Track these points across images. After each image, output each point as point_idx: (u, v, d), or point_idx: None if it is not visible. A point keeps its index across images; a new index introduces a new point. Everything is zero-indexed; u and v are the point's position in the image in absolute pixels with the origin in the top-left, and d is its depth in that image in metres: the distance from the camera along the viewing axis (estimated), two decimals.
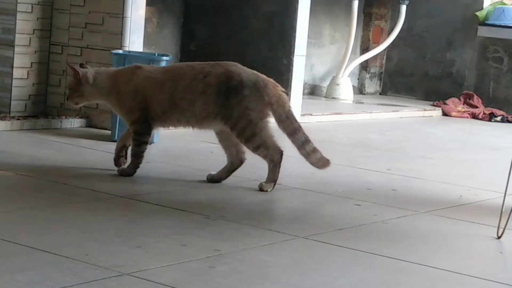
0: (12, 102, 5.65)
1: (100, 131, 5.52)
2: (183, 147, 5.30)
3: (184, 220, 3.52)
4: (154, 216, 3.56)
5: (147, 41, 6.28)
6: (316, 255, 3.20)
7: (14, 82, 5.67)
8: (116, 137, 5.19)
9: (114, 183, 4.14)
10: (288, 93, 6.82)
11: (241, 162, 4.24)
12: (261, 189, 4.12)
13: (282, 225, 3.58)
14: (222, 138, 4.24)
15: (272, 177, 4.14)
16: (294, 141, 4.15)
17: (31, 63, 5.75)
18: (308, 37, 7.01)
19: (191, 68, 4.19)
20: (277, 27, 6.93)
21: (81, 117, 5.71)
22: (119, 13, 5.54)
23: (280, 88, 4.17)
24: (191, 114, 4.11)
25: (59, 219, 3.40)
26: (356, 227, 3.65)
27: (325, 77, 8.94)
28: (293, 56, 6.84)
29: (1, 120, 5.40)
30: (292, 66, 6.85)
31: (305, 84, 8.19)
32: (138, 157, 4.19)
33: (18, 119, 5.51)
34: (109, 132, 5.35)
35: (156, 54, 5.52)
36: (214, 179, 4.24)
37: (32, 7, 5.70)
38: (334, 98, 8.62)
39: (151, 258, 2.96)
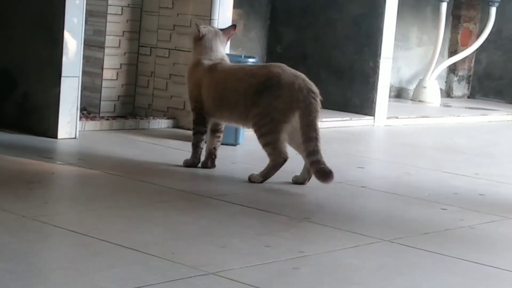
0: (101, 102, 5.77)
1: (187, 131, 5.58)
2: None
3: (269, 221, 3.54)
4: (239, 216, 3.59)
5: (233, 43, 6.33)
6: (401, 259, 3.18)
7: (104, 83, 5.78)
8: None
9: (200, 183, 4.19)
10: (373, 98, 6.79)
11: None
12: (249, 179, 4.21)
13: (367, 228, 3.57)
14: (291, 139, 4.23)
15: (266, 174, 4.20)
16: (304, 148, 4.10)
17: (120, 64, 5.86)
18: (394, 40, 6.96)
19: (241, 69, 4.34)
20: (363, 30, 6.90)
21: (168, 118, 5.79)
22: (206, 16, 5.60)
23: (315, 95, 4.14)
24: (238, 113, 4.24)
25: (146, 218, 3.45)
26: (442, 231, 3.61)
27: (412, 80, 8.86)
28: (380, 58, 6.80)
29: (91, 120, 5.51)
30: (378, 69, 6.81)
31: (391, 87, 8.12)
32: (195, 146, 4.39)
33: (107, 119, 5.62)
34: None
35: (243, 56, 5.56)
36: (298, 181, 4.25)
37: (122, 9, 5.80)
38: (421, 101, 8.54)
39: (235, 258, 2.99)
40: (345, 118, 6.68)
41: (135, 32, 5.89)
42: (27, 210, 3.36)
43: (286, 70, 4.21)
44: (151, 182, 4.06)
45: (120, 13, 5.79)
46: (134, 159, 4.62)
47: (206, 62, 4.38)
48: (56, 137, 4.95)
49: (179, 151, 4.94)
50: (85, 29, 5.08)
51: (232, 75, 4.30)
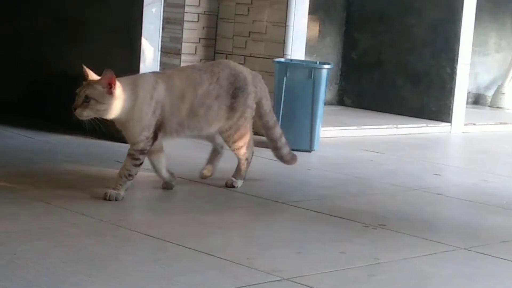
0: None
1: (261, 137, 5.59)
2: (343, 155, 5.30)
3: (344, 228, 3.53)
4: (313, 222, 3.58)
5: (308, 49, 6.33)
6: (478, 267, 3.13)
7: None
8: None
9: (274, 189, 4.19)
10: (450, 104, 6.71)
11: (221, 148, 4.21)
12: (231, 185, 4.07)
13: (443, 235, 3.53)
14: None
15: (243, 174, 4.12)
16: (272, 134, 4.17)
17: None
18: (472, 45, 6.86)
19: (202, 71, 3.94)
20: (440, 35, 6.82)
21: None
22: (282, 22, 5.61)
23: (262, 80, 4.17)
24: (205, 120, 3.91)
25: (221, 223, 3.47)
26: None
27: (490, 86, 8.72)
28: (457, 64, 6.72)
29: None
30: (456, 75, 6.73)
31: (468, 93, 8.01)
32: (132, 178, 3.72)
33: None
34: None
35: (318, 63, 5.55)
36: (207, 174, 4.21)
37: (198, 16, 5.86)
38: (499, 107, 8.40)
39: (310, 264, 2.99)
40: (421, 125, 6.61)
41: (211, 39, 5.94)
42: (105, 214, 3.41)
43: (237, 64, 4.10)
44: (226, 187, 4.09)
45: (196, 20, 5.85)
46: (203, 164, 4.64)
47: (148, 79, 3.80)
48: None
49: (255, 157, 4.95)
50: (162, 36, 5.14)
51: (199, 79, 3.88)
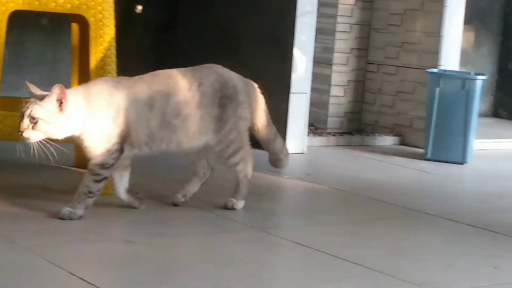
0: (328, 118, 5.84)
1: (412, 149, 5.54)
2: (498, 168, 5.17)
3: (498, 242, 3.43)
4: (466, 236, 3.50)
5: (463, 60, 6.21)
6: None
7: (331, 100, 5.84)
8: (429, 155, 5.17)
9: (426, 201, 4.12)
10: None
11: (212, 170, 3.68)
12: (232, 207, 3.58)
13: None
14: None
15: (244, 194, 3.62)
16: (274, 147, 3.68)
17: (348, 81, 5.90)
18: None
19: (179, 76, 3.44)
20: None
21: (394, 135, 5.77)
22: (435, 32, 5.53)
23: (258, 89, 3.66)
24: (183, 132, 3.40)
25: (371, 233, 3.45)
26: None
27: None
28: None
29: (318, 135, 5.59)
30: None
31: None
32: (94, 195, 3.28)
33: (333, 135, 5.68)
34: (421, 150, 5.35)
35: (472, 73, 5.44)
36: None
37: (350, 27, 5.85)
38: None
39: (462, 277, 2.92)
40: None
41: (363, 49, 5.92)
42: (256, 221, 3.45)
43: (226, 70, 3.58)
44: (376, 198, 4.06)
45: (348, 30, 5.84)
46: (360, 175, 4.63)
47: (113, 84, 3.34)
48: None
49: (404, 168, 4.91)
50: (314, 47, 5.16)
51: (174, 85, 3.40)
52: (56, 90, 3.11)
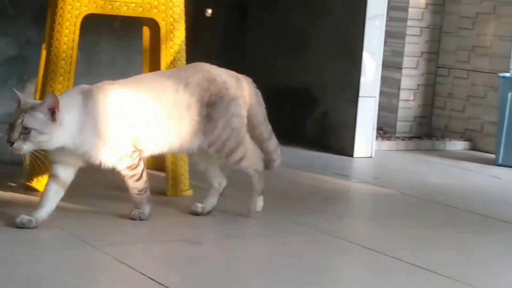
0: (398, 123, 5.80)
1: (483, 154, 5.47)
2: None
3: None
4: None
5: None
6: None
7: (401, 104, 5.81)
8: (500, 160, 5.11)
9: (497, 207, 4.06)
10: None
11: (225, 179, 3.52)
12: (253, 209, 3.43)
13: None
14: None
15: (260, 189, 3.43)
16: (268, 146, 3.48)
17: (418, 85, 5.86)
18: None
19: (165, 77, 3.31)
20: None
21: (465, 140, 5.70)
22: (508, 36, 5.46)
23: (253, 84, 3.49)
24: (176, 134, 3.28)
25: (439, 238, 3.42)
26: None
27: None
28: None
29: (387, 140, 5.56)
30: None
31: None
32: (146, 190, 3.26)
33: (403, 139, 5.64)
34: (493, 156, 5.28)
35: None
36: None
37: (421, 30, 5.81)
38: None
39: None
40: None
41: (433, 53, 5.87)
42: (323, 225, 3.45)
43: (213, 67, 3.43)
44: (446, 203, 4.02)
45: (419, 34, 5.80)
46: (429, 180, 4.59)
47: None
48: (352, 155, 5.05)
49: (475, 173, 4.85)
50: (383, 50, 5.14)
51: (163, 87, 3.27)
52: (49, 99, 2.98)
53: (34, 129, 2.96)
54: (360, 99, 5.06)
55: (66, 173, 3.14)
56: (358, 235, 3.42)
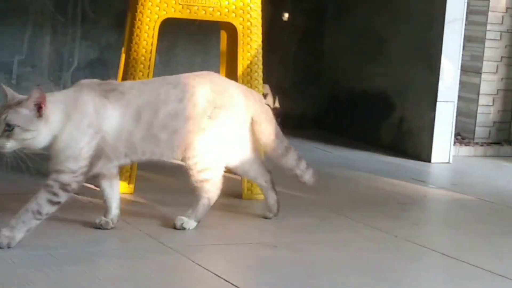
0: (476, 128, 5.72)
1: None
2: None
3: None
4: None
5: None
6: None
7: (480, 109, 5.72)
8: None
9: None
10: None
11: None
12: (181, 227, 3.15)
13: None
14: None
15: (200, 216, 3.20)
16: (286, 162, 3.33)
17: (497, 90, 5.76)
18: None
19: (171, 85, 3.11)
20: None
21: None
22: None
23: (264, 100, 3.33)
24: (168, 146, 3.08)
25: None
26: None
27: None
28: None
29: (465, 145, 5.49)
30: None
31: None
32: (39, 217, 2.81)
33: (481, 145, 5.56)
34: None
35: None
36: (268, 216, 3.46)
37: (500, 34, 5.72)
38: None
39: None
40: None
41: None
42: (399, 230, 3.42)
43: (224, 78, 3.32)
44: None
45: (498, 38, 5.71)
46: (509, 187, 4.52)
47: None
48: (429, 161, 5.00)
49: None
50: (462, 55, 5.08)
51: (162, 95, 3.06)
52: (35, 93, 2.77)
53: (17, 125, 2.75)
54: (438, 104, 5.01)
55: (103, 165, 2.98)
56: (435, 241, 3.38)
